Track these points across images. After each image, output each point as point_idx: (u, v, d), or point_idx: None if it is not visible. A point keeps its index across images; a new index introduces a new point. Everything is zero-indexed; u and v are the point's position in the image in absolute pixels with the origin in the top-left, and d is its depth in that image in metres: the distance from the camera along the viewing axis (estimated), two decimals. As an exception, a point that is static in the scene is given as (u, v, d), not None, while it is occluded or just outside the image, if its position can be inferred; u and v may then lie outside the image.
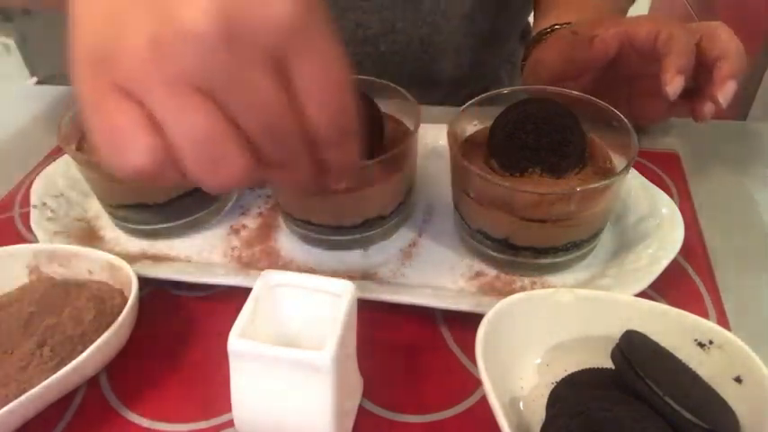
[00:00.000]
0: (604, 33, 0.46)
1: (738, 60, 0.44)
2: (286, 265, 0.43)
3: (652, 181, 0.45)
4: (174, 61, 0.24)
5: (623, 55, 0.47)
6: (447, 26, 0.63)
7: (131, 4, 0.25)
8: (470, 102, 0.43)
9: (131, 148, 0.25)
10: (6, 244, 0.41)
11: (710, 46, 0.45)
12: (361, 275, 0.42)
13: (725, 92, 0.44)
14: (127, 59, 0.24)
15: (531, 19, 0.73)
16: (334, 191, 0.32)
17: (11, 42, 1.75)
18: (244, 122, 0.26)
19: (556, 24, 0.55)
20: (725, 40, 0.45)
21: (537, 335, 0.34)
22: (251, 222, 0.47)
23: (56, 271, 0.40)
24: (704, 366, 0.31)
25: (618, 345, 0.30)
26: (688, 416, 0.27)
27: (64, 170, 0.50)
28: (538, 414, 0.32)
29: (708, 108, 0.45)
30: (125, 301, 0.37)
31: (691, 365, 0.31)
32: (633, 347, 0.30)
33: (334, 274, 0.42)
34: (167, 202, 0.44)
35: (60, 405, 0.35)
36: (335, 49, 0.26)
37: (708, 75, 0.45)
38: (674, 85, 0.43)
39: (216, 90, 0.25)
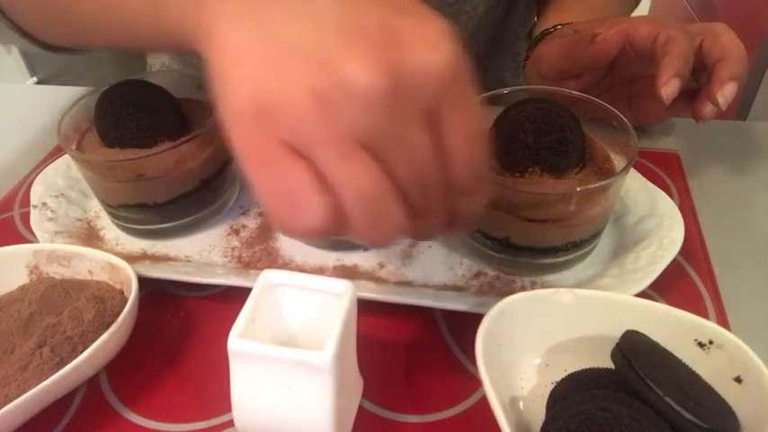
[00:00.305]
0: (606, 32, 0.46)
1: (739, 62, 0.44)
2: (286, 265, 0.43)
3: (652, 181, 0.45)
4: (341, 117, 0.23)
5: (624, 55, 0.47)
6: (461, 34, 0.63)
7: (287, 55, 0.24)
8: (470, 102, 0.42)
9: (305, 209, 0.25)
10: (6, 244, 0.41)
11: (712, 47, 0.45)
12: (361, 275, 0.42)
13: (725, 93, 0.44)
14: (292, 113, 0.23)
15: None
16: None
17: (11, 42, 1.74)
18: (401, 176, 0.25)
19: (559, 24, 0.55)
20: (726, 42, 0.44)
21: (537, 335, 0.34)
22: (251, 222, 0.47)
23: (56, 271, 0.40)
24: (704, 366, 0.31)
25: (618, 345, 0.30)
26: (688, 416, 0.27)
27: (64, 170, 0.50)
28: (538, 414, 0.32)
29: (708, 109, 0.45)
30: (125, 301, 0.37)
31: (691, 365, 0.31)
32: (633, 347, 0.30)
33: (334, 274, 0.42)
34: (167, 202, 0.44)
35: (60, 405, 0.35)
36: (477, 97, 0.26)
37: (709, 76, 0.45)
38: (668, 88, 0.42)
39: (379, 145, 0.24)
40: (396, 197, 0.25)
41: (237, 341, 0.29)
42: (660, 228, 0.41)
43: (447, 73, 0.24)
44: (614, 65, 0.49)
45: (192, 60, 0.71)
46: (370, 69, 0.23)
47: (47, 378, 0.32)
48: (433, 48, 0.23)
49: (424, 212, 0.27)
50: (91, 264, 0.40)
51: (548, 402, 0.32)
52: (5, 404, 0.31)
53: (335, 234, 0.26)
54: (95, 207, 0.48)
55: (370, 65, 0.23)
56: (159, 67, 0.76)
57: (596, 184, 0.36)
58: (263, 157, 0.24)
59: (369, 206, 0.25)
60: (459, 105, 0.25)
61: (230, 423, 0.34)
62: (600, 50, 0.47)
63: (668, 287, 0.39)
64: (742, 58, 0.44)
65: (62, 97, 0.65)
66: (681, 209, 0.42)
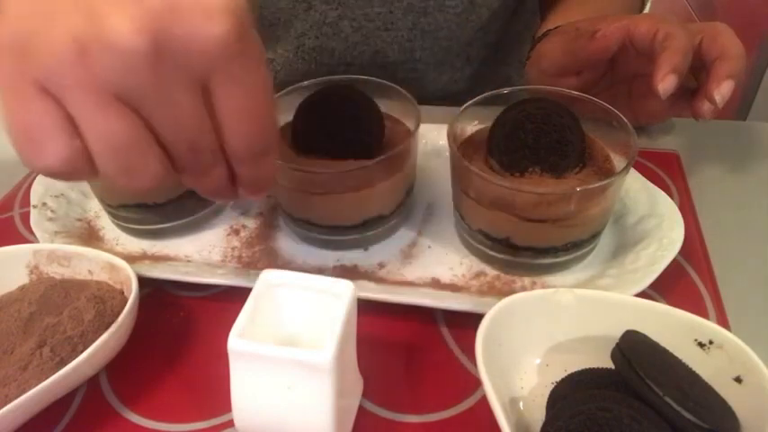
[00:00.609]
0: (606, 29, 0.46)
1: (737, 61, 0.44)
2: (286, 265, 0.43)
3: (652, 181, 0.45)
4: (97, 68, 0.24)
5: (624, 52, 0.47)
6: (462, 41, 0.63)
7: (59, 1, 0.25)
8: (470, 102, 0.43)
9: (47, 148, 0.25)
10: (6, 244, 0.41)
11: (711, 46, 0.45)
12: (361, 275, 0.42)
13: (722, 91, 0.44)
14: (49, 56, 0.24)
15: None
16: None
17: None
18: (161, 133, 0.26)
19: (560, 26, 0.55)
20: (725, 41, 0.44)
21: (537, 335, 0.34)
22: (251, 222, 0.47)
23: (56, 271, 0.40)
24: (704, 366, 0.31)
25: (618, 345, 0.30)
26: (688, 416, 0.27)
27: (64, 170, 0.50)
28: (538, 414, 0.32)
29: (706, 107, 0.45)
30: (125, 301, 0.37)
31: (691, 365, 0.31)
32: (633, 347, 0.30)
33: (334, 274, 0.42)
34: (167, 202, 0.44)
35: (60, 405, 0.35)
36: (261, 77, 0.27)
37: (707, 74, 0.45)
38: (665, 83, 0.42)
39: (136, 101, 0.25)
40: (152, 150, 0.26)
41: (237, 341, 0.29)
42: (660, 228, 0.41)
43: (219, 46, 0.24)
44: (615, 62, 0.49)
45: None
46: (134, 29, 0.23)
47: (47, 378, 0.32)
48: (206, 21, 0.24)
49: (198, 172, 0.28)
50: (91, 264, 0.40)
51: (548, 402, 0.32)
52: (5, 404, 0.31)
53: (84, 177, 0.27)
54: (95, 207, 0.48)
55: (135, 25, 0.23)
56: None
57: (596, 184, 0.36)
58: (16, 91, 0.25)
59: (117, 155, 0.26)
60: (233, 81, 0.26)
61: (230, 423, 0.34)
62: (600, 46, 0.47)
63: (668, 287, 0.39)
64: (740, 57, 0.44)
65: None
66: (681, 209, 0.42)
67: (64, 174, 0.26)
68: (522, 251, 0.40)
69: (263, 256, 0.44)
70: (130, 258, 0.43)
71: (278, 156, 0.31)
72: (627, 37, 0.46)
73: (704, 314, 0.38)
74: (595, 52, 0.47)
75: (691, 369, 0.30)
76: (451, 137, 0.40)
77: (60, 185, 0.49)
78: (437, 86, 0.66)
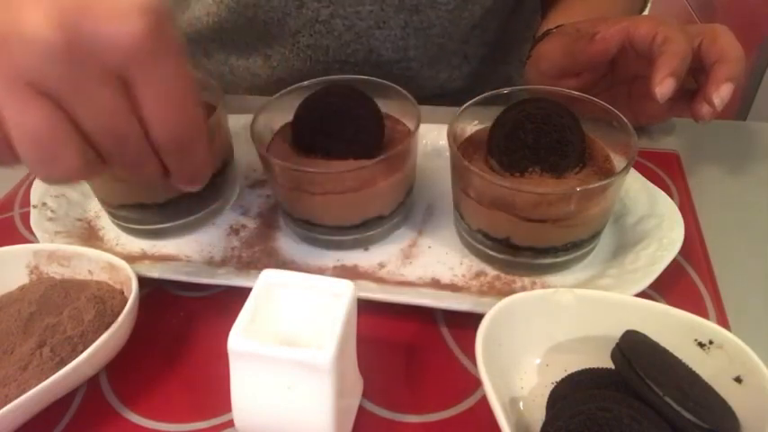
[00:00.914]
0: (605, 31, 0.46)
1: (737, 64, 0.44)
2: (286, 265, 0.43)
3: (652, 181, 0.45)
4: (15, 58, 0.25)
5: (624, 54, 0.47)
6: (457, 39, 0.63)
7: None
8: (470, 102, 0.43)
9: None
10: (6, 244, 0.41)
11: (710, 49, 0.45)
12: (361, 275, 0.42)
13: (721, 94, 0.44)
14: None
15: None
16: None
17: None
18: (83, 125, 0.28)
19: (561, 24, 0.55)
20: (724, 44, 0.45)
21: (537, 335, 0.34)
22: (251, 222, 0.47)
23: (56, 271, 0.40)
24: (704, 366, 0.31)
25: (618, 345, 0.30)
26: (688, 416, 0.27)
27: (64, 170, 0.50)
28: (538, 414, 0.32)
29: (705, 109, 0.45)
30: (125, 301, 0.37)
31: (691, 365, 0.31)
32: (633, 347, 0.30)
33: (334, 273, 0.42)
34: (167, 202, 0.44)
35: (60, 405, 0.35)
36: (180, 71, 0.28)
37: (706, 77, 0.45)
38: (663, 87, 0.42)
39: (54, 93, 0.26)
40: (73, 142, 0.28)
41: (237, 341, 0.29)
42: (660, 228, 0.41)
43: (131, 43, 0.26)
44: (614, 64, 0.49)
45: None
46: (45, 24, 0.25)
47: (47, 378, 0.32)
48: (117, 19, 0.26)
49: (125, 162, 0.30)
50: (91, 264, 0.40)
51: (548, 402, 0.32)
52: (5, 404, 0.31)
53: (7, 164, 0.29)
54: (95, 207, 0.48)
55: (47, 20, 0.25)
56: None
57: (596, 184, 0.36)
58: None
59: (36, 144, 0.27)
60: (152, 75, 0.28)
61: (230, 423, 0.34)
62: (599, 49, 0.47)
63: (668, 287, 0.39)
64: (739, 60, 0.44)
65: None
66: (681, 209, 0.42)
67: None
68: (522, 251, 0.40)
69: (263, 256, 0.44)
70: (130, 258, 0.43)
71: (206, 148, 0.32)
72: (626, 39, 0.46)
73: (704, 314, 0.38)
74: (595, 55, 0.47)
75: (691, 369, 0.30)
76: (451, 137, 0.40)
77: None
78: (435, 84, 0.65)
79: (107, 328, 0.35)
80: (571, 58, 0.49)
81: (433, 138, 0.52)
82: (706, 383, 0.30)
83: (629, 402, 0.27)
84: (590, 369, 0.32)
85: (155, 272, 0.41)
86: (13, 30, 0.25)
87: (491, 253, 0.41)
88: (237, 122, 0.53)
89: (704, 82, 0.45)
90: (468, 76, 0.67)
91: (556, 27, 0.54)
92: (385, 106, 0.44)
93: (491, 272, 0.42)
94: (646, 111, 0.50)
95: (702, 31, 0.46)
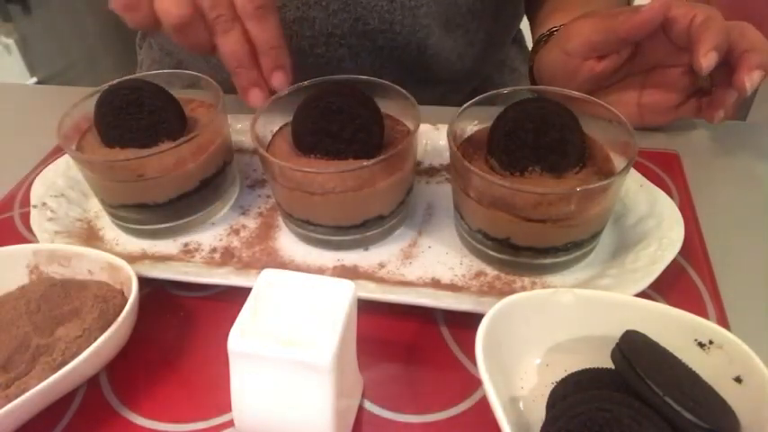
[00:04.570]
0: (651, 3, 0.47)
1: (766, 55, 0.45)
2: (286, 265, 0.43)
3: (652, 181, 0.45)
4: None
5: (652, 38, 0.48)
6: (441, 31, 0.63)
7: None
8: (470, 102, 0.43)
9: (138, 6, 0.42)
10: (6, 244, 0.41)
11: (740, 39, 0.46)
12: (361, 275, 0.42)
13: (753, 78, 0.45)
14: None
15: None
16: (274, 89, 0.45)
17: (11, 42, 1.75)
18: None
19: (554, 28, 0.55)
20: (754, 36, 0.46)
21: (537, 335, 0.34)
22: (251, 222, 0.47)
23: (56, 271, 0.40)
24: (704, 366, 0.31)
25: (618, 345, 0.30)
26: (688, 416, 0.27)
27: (64, 170, 0.50)
28: (538, 414, 0.32)
29: (718, 114, 0.48)
30: (125, 301, 0.37)
31: (691, 365, 0.31)
32: (633, 347, 0.30)
33: (334, 274, 0.42)
34: (167, 202, 0.44)
35: (60, 405, 0.35)
36: None
37: (735, 65, 0.46)
38: (708, 58, 0.44)
39: None
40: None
41: (237, 341, 0.29)
42: (660, 228, 0.41)
43: None
44: (638, 48, 0.50)
45: (181, 56, 0.71)
46: None
47: (47, 378, 0.32)
48: None
49: (221, 28, 0.42)
50: (91, 264, 0.40)
51: (548, 402, 0.32)
52: (6, 404, 0.31)
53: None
54: (95, 207, 0.48)
55: None
56: (150, 63, 0.76)
57: (596, 184, 0.36)
58: None
59: (179, 26, 0.42)
60: None
61: (230, 423, 0.34)
62: (645, 18, 0.47)
63: (668, 287, 0.39)
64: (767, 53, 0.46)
65: (62, 97, 0.65)
66: (681, 209, 0.42)
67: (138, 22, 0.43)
68: (523, 251, 0.40)
69: (263, 256, 0.44)
70: (130, 258, 0.43)
71: (279, 24, 0.43)
72: (668, 14, 0.46)
73: (704, 314, 0.38)
74: (639, 24, 0.47)
75: (691, 369, 0.30)
76: (451, 137, 0.40)
77: (60, 185, 0.49)
78: (421, 61, 0.65)
79: (107, 328, 0.35)
80: (605, 34, 0.49)
81: (433, 138, 0.52)
82: (706, 383, 0.30)
83: (629, 402, 0.27)
84: (590, 369, 0.32)
85: (155, 272, 0.41)
86: None
87: (491, 253, 0.41)
88: (237, 122, 0.53)
89: (735, 66, 0.46)
90: (454, 71, 0.67)
91: (560, 26, 0.54)
92: (385, 106, 0.44)
93: (491, 272, 0.42)
94: (654, 106, 0.50)
95: (731, 24, 0.47)
